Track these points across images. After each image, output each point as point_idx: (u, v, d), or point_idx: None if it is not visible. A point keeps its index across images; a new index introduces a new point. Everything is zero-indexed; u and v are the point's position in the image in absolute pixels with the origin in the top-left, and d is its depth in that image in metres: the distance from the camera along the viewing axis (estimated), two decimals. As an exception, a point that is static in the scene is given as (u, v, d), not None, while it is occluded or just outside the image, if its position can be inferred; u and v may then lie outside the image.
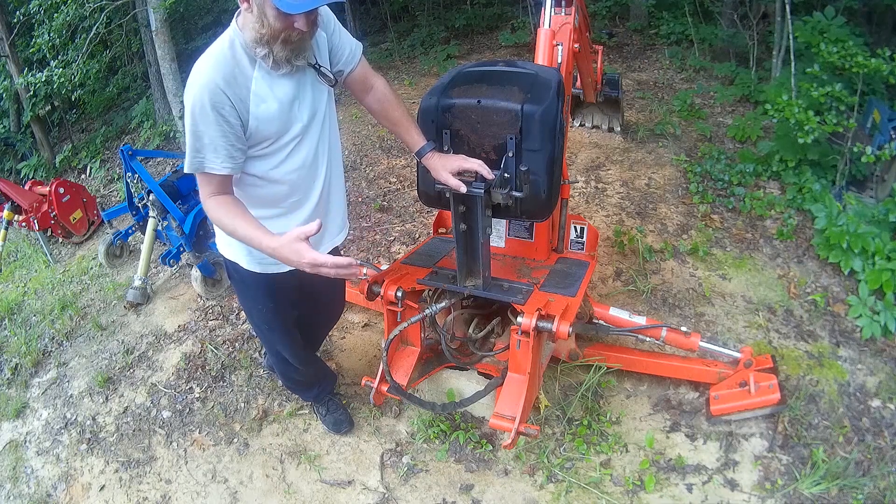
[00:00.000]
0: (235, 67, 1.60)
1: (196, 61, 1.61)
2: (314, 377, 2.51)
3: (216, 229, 1.94)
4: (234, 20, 1.64)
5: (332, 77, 1.78)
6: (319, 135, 1.82)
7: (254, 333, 3.15)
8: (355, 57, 1.89)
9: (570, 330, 1.91)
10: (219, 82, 1.55)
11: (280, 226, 1.75)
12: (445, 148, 1.96)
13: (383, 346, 2.10)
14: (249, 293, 2.08)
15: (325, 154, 1.87)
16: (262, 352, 3.05)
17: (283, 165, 1.76)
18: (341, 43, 1.84)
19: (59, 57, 5.10)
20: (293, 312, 2.19)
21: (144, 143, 5.92)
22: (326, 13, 1.78)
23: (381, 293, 2.15)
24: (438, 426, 2.53)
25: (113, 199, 5.43)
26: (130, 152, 3.41)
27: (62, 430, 2.92)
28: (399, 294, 2.14)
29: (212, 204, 1.66)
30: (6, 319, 3.83)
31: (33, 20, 5.31)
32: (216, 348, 3.12)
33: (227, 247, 1.96)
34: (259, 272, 1.94)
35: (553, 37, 2.27)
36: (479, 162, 1.85)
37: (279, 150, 1.74)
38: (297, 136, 1.74)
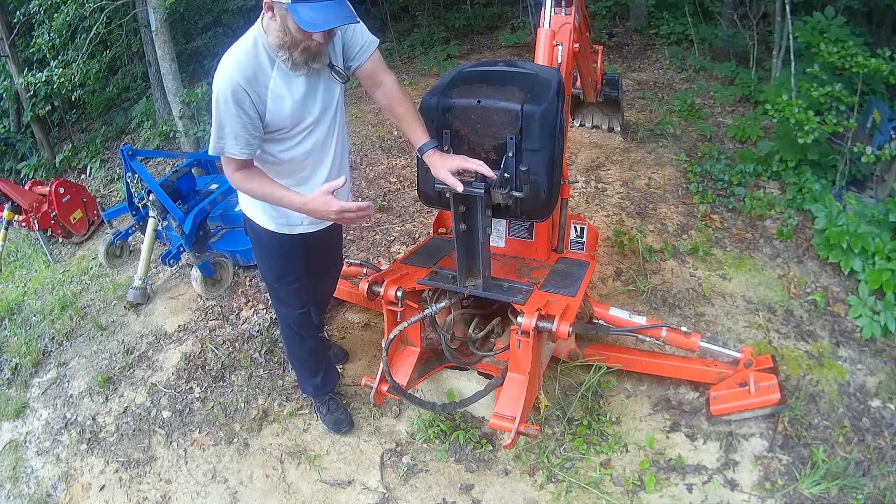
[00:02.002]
0: (257, 67, 1.77)
1: (224, 55, 1.79)
2: (315, 355, 2.51)
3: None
4: (259, 20, 1.78)
5: (344, 75, 1.93)
6: (329, 125, 1.99)
7: (254, 333, 3.16)
8: (366, 53, 1.97)
9: (570, 330, 1.92)
10: (240, 81, 1.73)
11: None
12: (445, 148, 1.96)
13: (383, 346, 2.11)
14: (262, 249, 2.24)
15: (334, 140, 2.04)
16: (262, 351, 3.05)
17: (294, 149, 1.95)
18: (354, 39, 1.94)
19: (59, 57, 5.10)
20: (300, 275, 2.27)
21: (144, 143, 5.92)
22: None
23: (381, 293, 2.15)
24: (438, 426, 2.53)
25: (113, 199, 5.43)
26: (130, 152, 3.41)
27: (62, 430, 2.92)
28: (399, 294, 2.15)
29: (238, 177, 1.87)
30: (6, 319, 3.83)
31: (33, 20, 5.30)
32: (216, 348, 3.12)
33: (248, 205, 2.14)
34: (273, 230, 2.11)
35: (553, 37, 2.27)
36: (480, 162, 1.85)
37: (291, 138, 1.92)
38: (308, 127, 1.93)
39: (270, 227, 2.11)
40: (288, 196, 1.83)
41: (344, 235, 3.50)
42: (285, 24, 1.68)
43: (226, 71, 1.75)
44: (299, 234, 2.13)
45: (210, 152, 1.84)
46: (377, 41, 2.00)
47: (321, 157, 2.03)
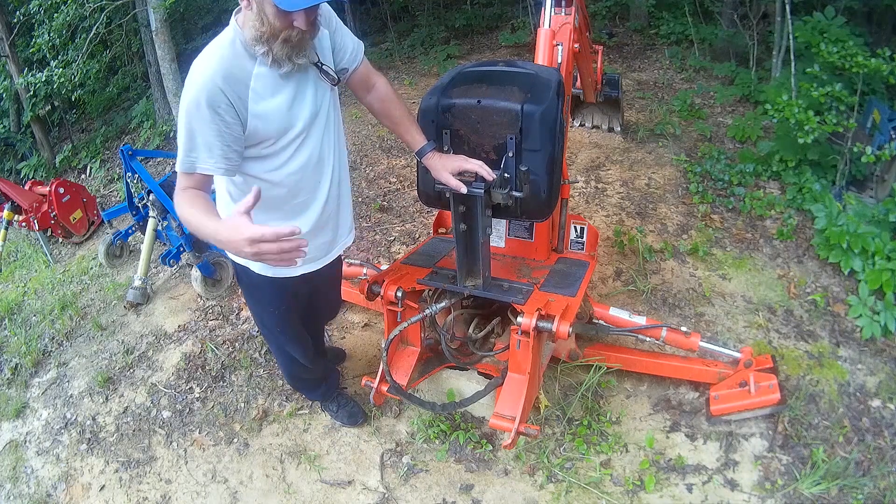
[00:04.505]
0: (235, 65, 1.56)
1: (196, 59, 1.58)
2: (322, 373, 2.52)
3: None
4: (233, 18, 1.61)
5: (334, 76, 1.75)
6: (323, 135, 1.78)
7: (254, 333, 3.16)
8: (358, 56, 1.88)
9: (570, 330, 1.91)
10: (217, 81, 1.51)
11: None
12: (445, 148, 1.96)
13: (383, 346, 2.10)
14: (262, 297, 2.05)
15: (331, 154, 1.83)
16: (263, 351, 3.05)
17: (284, 167, 1.72)
18: (343, 41, 1.82)
19: (59, 57, 5.11)
20: (301, 312, 2.20)
21: (144, 143, 5.93)
22: (327, 11, 1.76)
23: (381, 293, 2.15)
24: (438, 426, 2.53)
25: (113, 199, 5.43)
26: (130, 152, 3.41)
27: (62, 430, 2.92)
28: (399, 294, 2.14)
29: (181, 197, 1.55)
30: (6, 319, 3.83)
31: (33, 20, 5.32)
32: (216, 348, 3.12)
33: None
34: (272, 276, 1.91)
35: (553, 37, 2.27)
36: (480, 163, 1.85)
37: (280, 151, 1.69)
38: (298, 136, 1.70)
39: (268, 272, 1.90)
40: (203, 222, 1.45)
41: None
42: (262, 10, 1.50)
43: (200, 73, 1.52)
44: (301, 274, 1.94)
45: (178, 168, 1.56)
46: (363, 44, 1.90)
47: (317, 178, 1.80)
